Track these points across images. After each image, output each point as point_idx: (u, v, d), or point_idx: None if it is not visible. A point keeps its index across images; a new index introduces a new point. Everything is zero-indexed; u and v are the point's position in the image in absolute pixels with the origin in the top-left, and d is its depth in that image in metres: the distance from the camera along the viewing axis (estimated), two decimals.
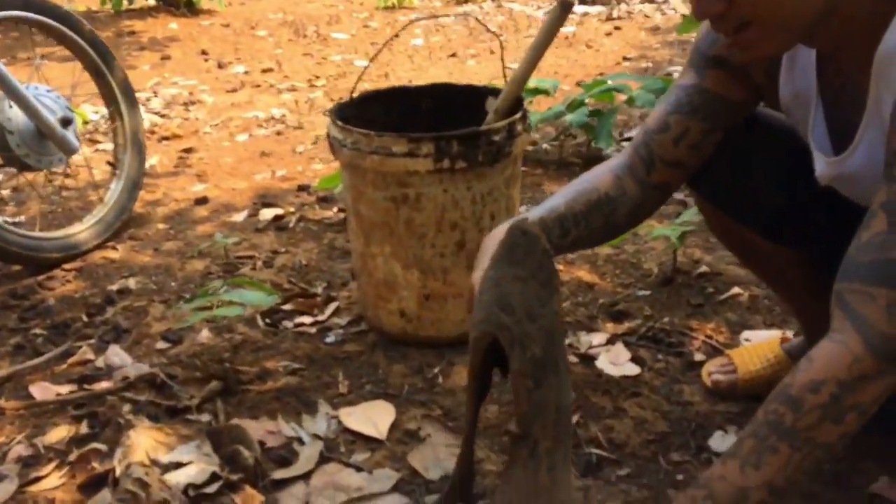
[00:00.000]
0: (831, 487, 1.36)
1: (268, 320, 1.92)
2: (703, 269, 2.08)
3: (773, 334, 1.78)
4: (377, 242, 1.70)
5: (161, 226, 2.48)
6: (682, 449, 1.48)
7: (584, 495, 1.35)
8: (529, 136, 1.71)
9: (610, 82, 2.68)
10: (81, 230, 2.28)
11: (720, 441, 1.50)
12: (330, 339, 1.84)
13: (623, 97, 2.74)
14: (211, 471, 1.28)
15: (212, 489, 1.25)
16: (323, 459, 1.43)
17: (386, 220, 1.66)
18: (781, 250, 1.39)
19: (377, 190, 1.64)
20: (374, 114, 1.85)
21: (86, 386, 1.65)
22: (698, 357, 1.73)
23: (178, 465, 1.31)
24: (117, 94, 2.40)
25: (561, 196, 1.32)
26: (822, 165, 1.15)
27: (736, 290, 1.99)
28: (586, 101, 2.73)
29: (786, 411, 0.98)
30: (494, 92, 1.81)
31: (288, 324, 1.92)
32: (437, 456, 1.44)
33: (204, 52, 4.57)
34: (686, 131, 1.27)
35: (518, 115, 1.66)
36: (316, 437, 1.49)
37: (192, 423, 1.49)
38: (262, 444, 1.43)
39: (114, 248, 2.33)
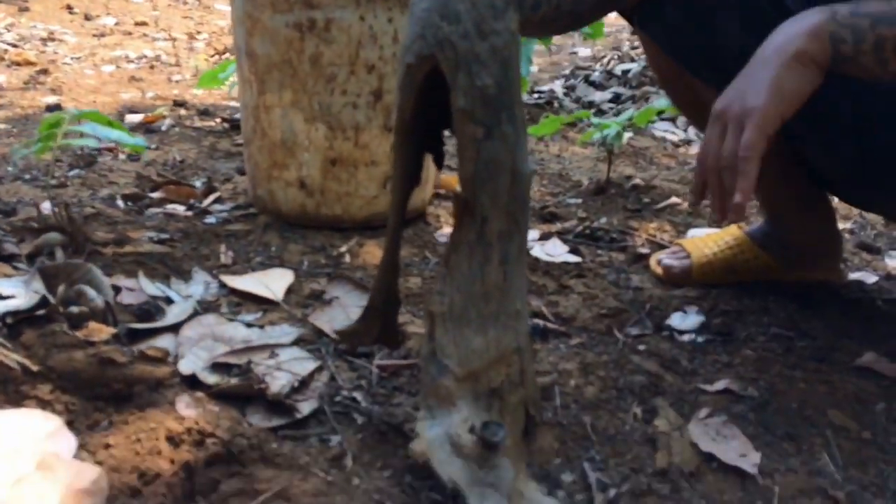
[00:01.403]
0: (813, 362, 1.15)
1: (130, 203, 1.56)
2: (637, 181, 1.88)
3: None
4: (274, 89, 1.39)
5: (1, 126, 2.06)
6: (640, 325, 1.24)
7: (532, 357, 1.08)
8: None
9: None
10: None
11: (681, 320, 1.26)
12: (210, 220, 1.50)
13: None
14: (40, 296, 0.92)
15: (39, 313, 0.89)
16: (199, 315, 1.09)
17: (287, 56, 1.36)
18: None
19: (277, 13, 1.34)
20: None
21: None
22: (644, 251, 1.50)
23: None
24: None
25: None
26: None
27: (675, 199, 1.79)
28: None
29: None
30: None
31: (155, 210, 1.56)
32: (347, 315, 1.13)
33: (69, 7, 4.11)
34: None
35: None
36: (190, 298, 1.15)
37: (20, 271, 1.12)
38: (116, 289, 1.08)
39: None
